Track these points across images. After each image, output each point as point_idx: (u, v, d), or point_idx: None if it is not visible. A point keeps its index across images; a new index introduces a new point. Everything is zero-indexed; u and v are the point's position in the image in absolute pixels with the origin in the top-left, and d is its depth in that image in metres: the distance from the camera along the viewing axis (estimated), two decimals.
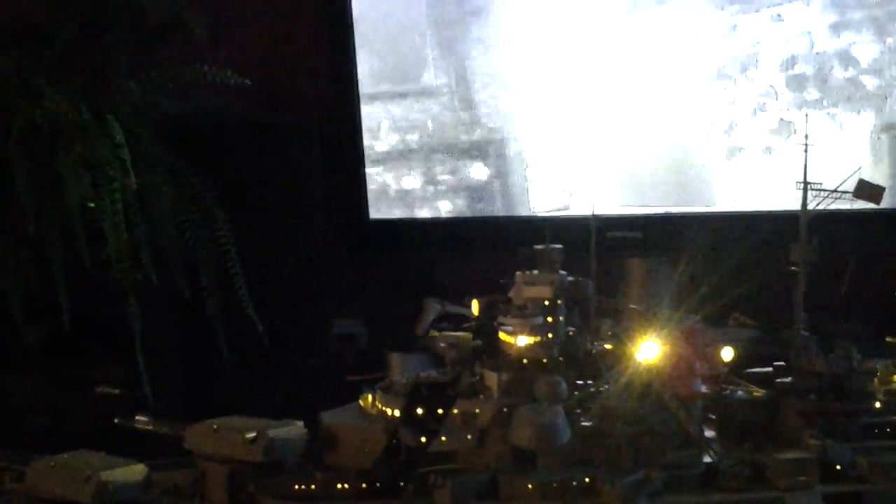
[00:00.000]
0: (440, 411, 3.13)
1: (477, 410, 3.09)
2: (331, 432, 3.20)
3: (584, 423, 3.08)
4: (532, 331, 3.17)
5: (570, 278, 3.29)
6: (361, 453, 3.13)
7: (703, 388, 3.20)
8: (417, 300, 4.34)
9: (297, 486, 3.02)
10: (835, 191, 3.35)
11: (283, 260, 4.51)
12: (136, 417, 3.42)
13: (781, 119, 4.35)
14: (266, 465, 3.04)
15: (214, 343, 4.31)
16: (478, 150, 4.54)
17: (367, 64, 4.55)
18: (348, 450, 3.16)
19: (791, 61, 4.31)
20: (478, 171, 4.58)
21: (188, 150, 4.38)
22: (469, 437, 3.07)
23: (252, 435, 3.05)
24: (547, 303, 3.21)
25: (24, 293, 4.11)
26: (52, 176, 4.12)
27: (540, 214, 4.59)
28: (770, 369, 3.38)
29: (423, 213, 4.67)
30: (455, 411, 3.11)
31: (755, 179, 4.45)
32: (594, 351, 3.27)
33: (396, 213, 4.72)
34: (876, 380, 3.30)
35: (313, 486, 3.03)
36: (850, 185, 3.37)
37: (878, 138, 4.26)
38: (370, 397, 3.25)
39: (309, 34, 4.70)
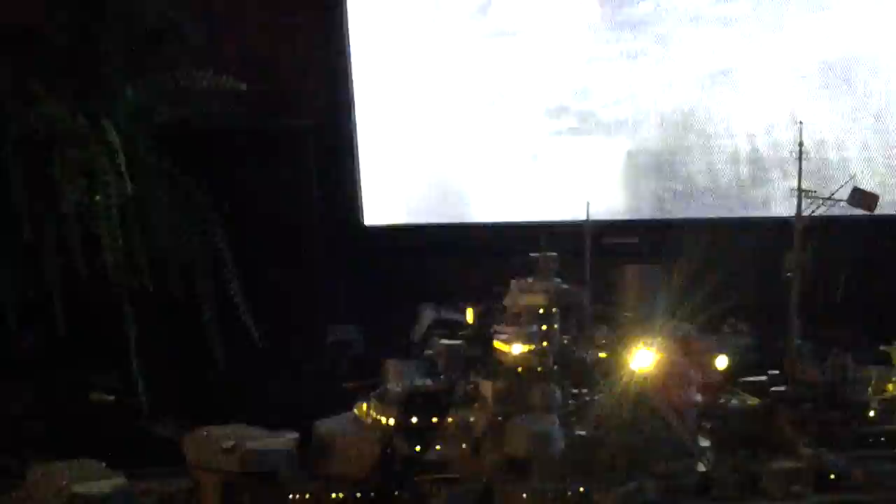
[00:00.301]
0: (435, 420, 3.13)
1: (472, 419, 3.10)
2: (325, 441, 3.20)
3: (578, 433, 3.08)
4: (527, 339, 3.18)
5: (565, 286, 3.29)
6: (356, 462, 3.14)
7: (698, 397, 3.20)
8: (413, 306, 4.34)
9: (291, 496, 3.02)
10: (829, 198, 3.35)
11: (279, 266, 4.50)
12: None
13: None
14: (260, 474, 3.04)
15: (210, 349, 4.30)
16: None
17: None
18: (343, 459, 3.16)
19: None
20: None
21: (184, 156, 4.37)
22: (464, 446, 3.07)
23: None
24: (542, 311, 3.22)
25: (19, 299, 4.11)
26: (48, 182, 4.11)
27: (536, 220, 4.59)
28: (765, 378, 3.38)
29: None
30: (450, 420, 3.11)
31: None
32: (589, 359, 3.27)
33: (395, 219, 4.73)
34: (870, 389, 3.30)
35: (308, 496, 3.02)
36: (845, 193, 3.38)
37: None
38: (365, 406, 3.26)
39: (305, 42, 4.70)
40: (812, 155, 3.49)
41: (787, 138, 3.70)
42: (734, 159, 4.50)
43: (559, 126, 4.61)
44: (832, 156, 4.35)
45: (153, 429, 3.47)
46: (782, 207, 3.62)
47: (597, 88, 4.55)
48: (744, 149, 4.48)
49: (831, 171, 4.22)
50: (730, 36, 4.43)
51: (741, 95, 4.46)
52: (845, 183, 3.44)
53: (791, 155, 3.47)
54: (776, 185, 4.35)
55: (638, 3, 4.45)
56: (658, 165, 4.56)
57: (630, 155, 4.57)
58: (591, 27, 4.52)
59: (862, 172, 4.24)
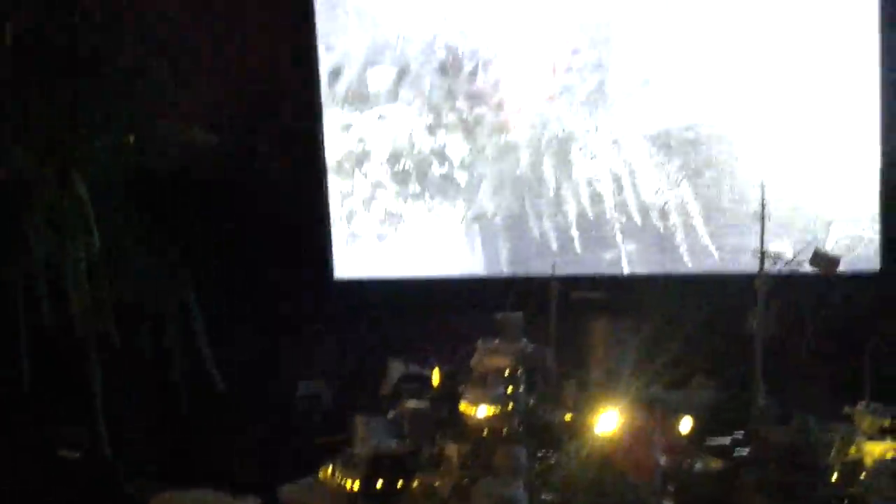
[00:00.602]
0: (400, 484, 3.13)
1: (437, 483, 3.10)
2: None
3: (544, 497, 3.08)
4: (492, 401, 3.18)
5: (531, 348, 3.30)
6: None
7: (663, 460, 3.21)
8: (382, 360, 4.34)
9: None
10: (791, 260, 3.38)
11: (248, 319, 4.50)
12: None
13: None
14: None
15: (177, 403, 4.29)
16: None
17: None
18: None
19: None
20: None
21: (153, 206, 4.37)
22: None
23: None
24: (507, 373, 3.22)
25: None
26: (17, 233, 4.11)
27: (506, 275, 4.60)
28: (728, 440, 3.39)
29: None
30: (415, 483, 3.11)
31: None
32: (555, 421, 3.27)
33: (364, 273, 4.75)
34: (833, 451, 3.31)
35: None
36: (807, 254, 3.41)
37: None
38: (329, 469, 3.25)
39: (276, 88, 4.71)
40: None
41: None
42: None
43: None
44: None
45: (124, 489, 3.44)
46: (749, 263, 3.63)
47: None
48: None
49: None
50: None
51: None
52: (808, 244, 3.48)
53: (755, 214, 3.49)
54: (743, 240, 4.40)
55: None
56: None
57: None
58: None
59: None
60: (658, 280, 4.42)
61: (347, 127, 4.72)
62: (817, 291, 3.73)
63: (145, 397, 4.41)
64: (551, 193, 4.57)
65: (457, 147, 4.65)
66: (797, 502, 3.19)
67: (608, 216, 4.51)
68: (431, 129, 4.65)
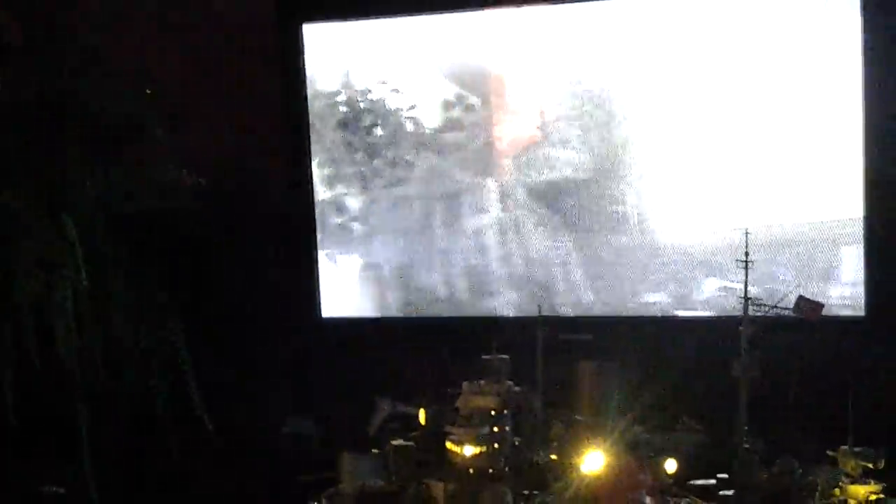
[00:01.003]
0: None
1: None
2: None
3: None
4: (478, 441, 3.20)
5: (517, 389, 3.32)
6: None
7: (648, 500, 3.22)
8: (369, 399, 4.35)
9: None
10: (774, 307, 3.41)
11: (234, 358, 4.51)
12: None
13: None
14: None
15: (164, 443, 4.28)
16: None
17: None
18: None
19: None
20: None
21: (142, 247, 4.39)
22: None
23: None
24: (493, 413, 3.24)
25: None
26: (4, 273, 4.11)
27: (494, 315, 4.63)
28: (713, 482, 3.40)
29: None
30: None
31: None
32: (540, 462, 3.28)
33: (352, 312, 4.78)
34: (818, 493, 3.33)
35: None
36: (790, 301, 3.44)
37: None
38: None
39: (267, 137, 4.76)
40: None
41: None
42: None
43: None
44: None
45: None
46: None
47: None
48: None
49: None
50: None
51: None
52: (791, 290, 3.51)
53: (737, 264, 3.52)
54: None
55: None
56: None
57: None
58: None
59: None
60: (643, 322, 4.45)
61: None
62: (801, 336, 3.76)
63: (131, 435, 4.40)
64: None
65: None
66: None
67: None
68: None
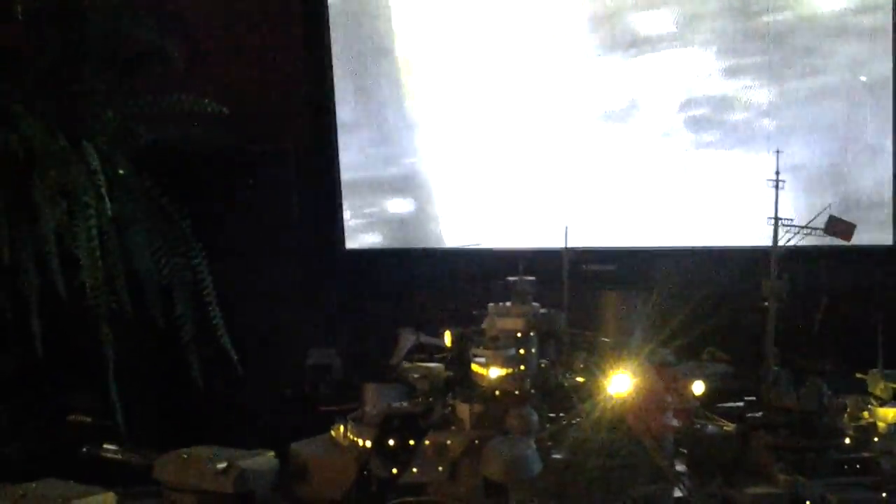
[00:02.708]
0: (412, 443, 3.13)
1: (448, 442, 3.09)
2: (302, 463, 3.19)
3: (555, 456, 3.07)
4: (504, 363, 3.17)
5: (543, 310, 3.29)
6: (332, 484, 3.13)
7: (675, 422, 3.20)
8: (392, 331, 4.35)
9: None
10: (805, 227, 3.36)
11: (259, 289, 4.50)
12: (104, 446, 3.41)
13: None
14: (236, 495, 3.03)
15: (188, 372, 4.30)
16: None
17: None
18: (319, 481, 3.15)
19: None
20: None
21: (165, 178, 4.38)
22: (440, 468, 3.06)
23: (223, 465, 3.04)
24: (519, 335, 3.21)
25: None
26: (27, 203, 4.11)
27: (515, 247, 4.61)
28: (741, 404, 3.38)
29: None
30: (427, 443, 3.10)
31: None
32: (566, 383, 3.26)
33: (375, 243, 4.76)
34: (846, 416, 3.31)
35: None
36: (821, 222, 3.39)
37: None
38: (342, 428, 3.25)
39: (288, 66, 4.72)
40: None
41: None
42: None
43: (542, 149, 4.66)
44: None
45: (125, 458, 3.44)
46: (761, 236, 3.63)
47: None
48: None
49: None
50: None
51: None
52: (822, 211, 3.46)
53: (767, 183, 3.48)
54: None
55: None
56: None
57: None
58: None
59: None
60: (669, 253, 4.42)
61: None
62: (831, 260, 3.73)
63: (157, 365, 4.42)
64: None
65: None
66: (809, 466, 3.18)
67: None
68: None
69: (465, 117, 4.67)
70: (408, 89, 4.71)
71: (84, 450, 3.42)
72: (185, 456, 3.11)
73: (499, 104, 4.66)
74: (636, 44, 4.53)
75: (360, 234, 4.80)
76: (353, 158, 4.76)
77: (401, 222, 4.77)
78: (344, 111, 4.72)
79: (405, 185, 4.76)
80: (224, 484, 3.02)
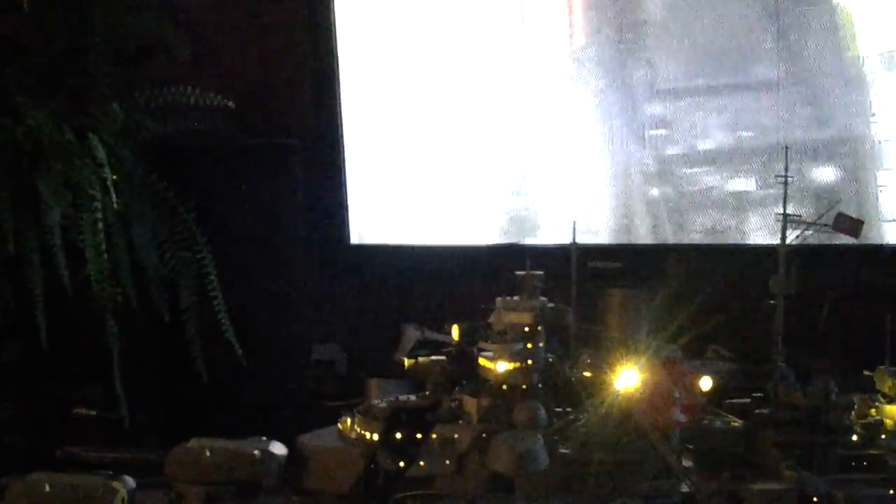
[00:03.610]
0: (419, 436, 3.12)
1: (456, 436, 3.09)
2: (309, 455, 3.19)
3: (562, 451, 3.07)
4: (512, 356, 3.17)
5: (551, 305, 3.29)
6: (339, 477, 3.12)
7: (682, 418, 3.20)
8: (397, 326, 4.34)
9: None
10: (814, 223, 3.36)
11: (263, 283, 4.50)
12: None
13: None
14: (244, 486, 3.03)
15: (193, 365, 4.29)
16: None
17: None
18: (326, 473, 3.15)
19: None
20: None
21: (170, 171, 4.37)
22: (447, 462, 3.07)
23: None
24: (527, 329, 3.21)
25: (1, 312, 4.09)
26: (33, 194, 4.11)
27: (521, 242, 4.61)
28: (748, 400, 3.38)
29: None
30: (434, 436, 3.10)
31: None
32: (574, 378, 3.26)
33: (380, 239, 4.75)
34: (853, 413, 3.31)
35: None
36: (830, 218, 3.39)
37: None
38: (349, 421, 3.24)
39: (294, 60, 4.72)
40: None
41: None
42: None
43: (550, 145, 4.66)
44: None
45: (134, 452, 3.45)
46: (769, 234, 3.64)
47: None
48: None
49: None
50: None
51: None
52: (830, 208, 3.46)
53: (776, 180, 3.48)
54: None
55: None
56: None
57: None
58: None
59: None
60: (675, 249, 4.42)
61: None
62: (838, 258, 3.73)
63: (161, 358, 4.41)
64: None
65: None
66: (816, 463, 3.19)
67: None
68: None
69: (473, 113, 4.67)
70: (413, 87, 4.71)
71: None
72: (194, 447, 3.10)
73: (505, 100, 4.66)
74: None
75: (364, 230, 4.78)
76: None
77: (406, 218, 4.75)
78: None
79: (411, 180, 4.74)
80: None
